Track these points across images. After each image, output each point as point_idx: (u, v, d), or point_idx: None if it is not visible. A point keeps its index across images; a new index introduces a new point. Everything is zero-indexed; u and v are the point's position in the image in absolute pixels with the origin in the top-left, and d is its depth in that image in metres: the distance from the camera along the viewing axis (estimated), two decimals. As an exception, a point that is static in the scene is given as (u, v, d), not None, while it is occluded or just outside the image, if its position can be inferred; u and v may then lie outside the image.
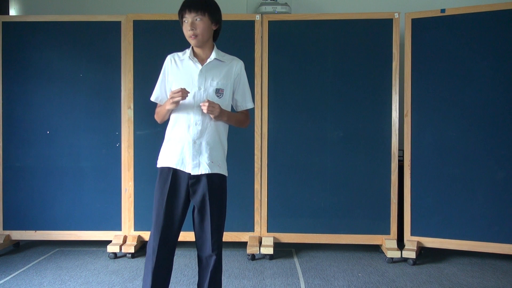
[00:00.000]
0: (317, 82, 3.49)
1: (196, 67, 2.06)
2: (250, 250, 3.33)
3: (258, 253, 3.33)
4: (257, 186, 3.48)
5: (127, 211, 3.48)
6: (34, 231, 3.53)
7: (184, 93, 1.96)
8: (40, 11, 4.14)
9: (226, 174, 2.12)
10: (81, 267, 3.16)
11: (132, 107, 3.46)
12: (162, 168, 2.07)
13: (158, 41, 3.48)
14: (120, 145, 3.50)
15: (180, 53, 2.12)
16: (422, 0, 3.88)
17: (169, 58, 2.13)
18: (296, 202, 3.49)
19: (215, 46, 2.12)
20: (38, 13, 3.90)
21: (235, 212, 3.47)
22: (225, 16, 3.51)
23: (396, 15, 3.39)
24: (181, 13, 2.02)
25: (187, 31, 2.02)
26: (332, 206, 3.47)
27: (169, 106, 2.00)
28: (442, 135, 3.32)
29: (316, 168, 3.48)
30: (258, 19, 3.47)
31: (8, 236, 3.51)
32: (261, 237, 3.46)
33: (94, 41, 3.52)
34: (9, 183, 3.53)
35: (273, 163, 3.48)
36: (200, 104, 1.99)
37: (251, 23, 3.48)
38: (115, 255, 3.36)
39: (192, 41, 2.04)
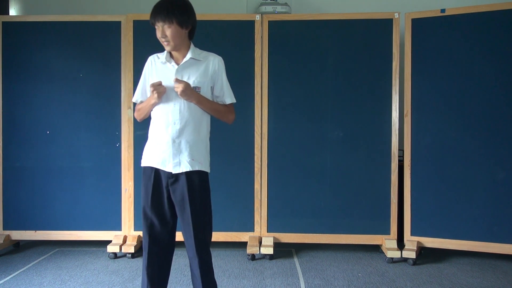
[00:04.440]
0: (317, 82, 3.49)
1: (172, 67, 2.09)
2: (250, 250, 3.33)
3: (258, 253, 3.33)
4: (257, 186, 3.48)
5: (127, 211, 3.49)
6: (34, 231, 3.53)
7: (161, 85, 2.01)
8: (40, 11, 4.13)
9: (208, 171, 2.13)
10: (81, 267, 3.16)
11: (132, 107, 3.46)
12: (145, 168, 2.13)
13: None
14: (120, 145, 3.51)
15: (160, 54, 2.15)
16: (422, 0, 3.88)
17: (150, 59, 2.17)
18: (296, 202, 3.49)
19: (191, 45, 2.12)
20: (38, 13, 3.90)
21: (235, 212, 3.48)
22: (225, 16, 3.58)
23: (396, 15, 3.39)
24: (151, 20, 2.04)
25: (159, 37, 2.05)
26: (332, 206, 3.47)
27: (154, 100, 2.04)
28: (442, 135, 3.32)
29: (316, 168, 3.48)
30: (258, 19, 3.47)
31: (8, 236, 3.51)
32: (261, 237, 3.46)
33: (94, 41, 3.52)
34: (9, 183, 3.53)
35: (273, 163, 3.48)
36: (172, 80, 2.02)
37: (251, 23, 3.48)
38: (115, 255, 3.36)
39: (165, 47, 2.09)
